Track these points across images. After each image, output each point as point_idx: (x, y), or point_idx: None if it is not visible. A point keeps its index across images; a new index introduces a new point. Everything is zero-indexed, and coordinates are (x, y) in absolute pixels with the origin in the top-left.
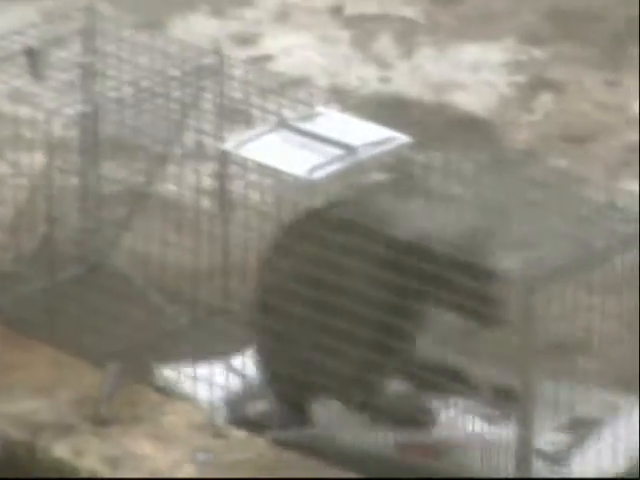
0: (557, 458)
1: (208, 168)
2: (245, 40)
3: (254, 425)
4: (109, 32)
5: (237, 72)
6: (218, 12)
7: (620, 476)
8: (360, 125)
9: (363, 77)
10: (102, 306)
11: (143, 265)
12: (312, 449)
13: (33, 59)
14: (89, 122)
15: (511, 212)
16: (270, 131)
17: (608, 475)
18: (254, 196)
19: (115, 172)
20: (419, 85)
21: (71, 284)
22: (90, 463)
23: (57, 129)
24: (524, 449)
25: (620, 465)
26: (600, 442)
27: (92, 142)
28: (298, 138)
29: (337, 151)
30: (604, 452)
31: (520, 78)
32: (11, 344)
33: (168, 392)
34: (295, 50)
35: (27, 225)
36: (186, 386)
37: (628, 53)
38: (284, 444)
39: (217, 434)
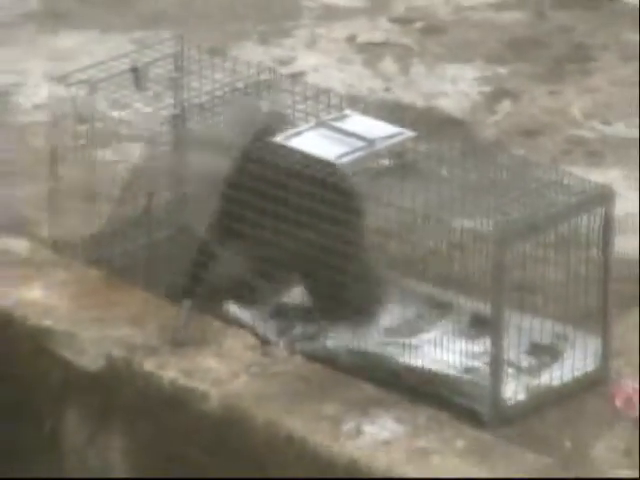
0: (526, 369)
1: None
2: (284, 62)
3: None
4: (192, 55)
5: (285, 84)
6: (264, 40)
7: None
8: (377, 124)
9: (371, 88)
10: (184, 258)
11: None
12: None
13: (137, 75)
14: (178, 121)
15: (483, 188)
16: (311, 128)
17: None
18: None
19: (196, 159)
20: (413, 94)
21: (163, 242)
22: (170, 374)
23: (154, 126)
24: (496, 362)
25: (569, 381)
26: (555, 362)
27: (180, 136)
28: (331, 133)
29: (360, 143)
30: (558, 370)
31: (487, 89)
32: (115, 287)
33: (230, 321)
34: (321, 68)
35: (131, 198)
36: (243, 317)
37: (566, 70)
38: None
39: (265, 353)
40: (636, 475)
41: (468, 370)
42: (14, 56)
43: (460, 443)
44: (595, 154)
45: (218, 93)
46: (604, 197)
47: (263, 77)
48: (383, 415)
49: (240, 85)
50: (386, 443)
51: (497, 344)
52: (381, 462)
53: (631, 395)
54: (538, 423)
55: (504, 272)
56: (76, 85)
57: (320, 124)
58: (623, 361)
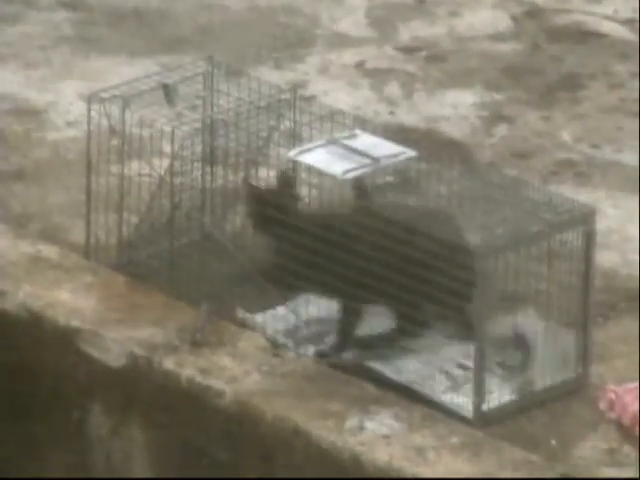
0: (510, 373)
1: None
2: (297, 85)
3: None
4: (220, 75)
5: (301, 104)
6: (279, 66)
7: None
8: (382, 143)
9: (377, 111)
10: (204, 262)
11: (239, 236)
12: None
13: (168, 92)
14: (206, 135)
15: (477, 205)
16: (322, 145)
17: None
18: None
19: (220, 171)
20: (416, 117)
21: (187, 247)
22: (188, 372)
23: (181, 141)
24: (479, 365)
25: (552, 385)
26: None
27: (208, 150)
28: (340, 150)
29: (365, 160)
30: (542, 374)
31: (485, 113)
32: (139, 291)
33: (244, 325)
34: (331, 92)
35: (158, 205)
36: (256, 320)
37: (556, 97)
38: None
39: (275, 354)
40: (621, 473)
41: (458, 370)
42: (49, 77)
43: (453, 439)
44: (582, 175)
45: (242, 110)
46: (586, 216)
47: (283, 97)
48: (382, 412)
49: (262, 104)
50: (385, 438)
51: (480, 347)
52: (381, 456)
53: (614, 399)
54: (526, 423)
55: (486, 282)
56: (109, 101)
57: (330, 142)
58: (605, 367)
